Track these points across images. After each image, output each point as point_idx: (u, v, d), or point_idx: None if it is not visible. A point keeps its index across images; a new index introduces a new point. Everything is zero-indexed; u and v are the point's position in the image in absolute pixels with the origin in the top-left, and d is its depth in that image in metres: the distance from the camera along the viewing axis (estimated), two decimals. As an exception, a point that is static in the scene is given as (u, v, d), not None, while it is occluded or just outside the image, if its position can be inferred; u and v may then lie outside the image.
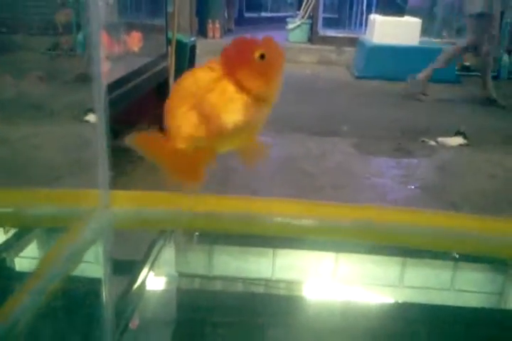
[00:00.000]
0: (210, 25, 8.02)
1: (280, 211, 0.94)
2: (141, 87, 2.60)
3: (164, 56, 3.27)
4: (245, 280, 1.42)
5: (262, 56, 0.69)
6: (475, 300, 1.23)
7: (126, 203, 0.90)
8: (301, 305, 1.06)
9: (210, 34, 8.07)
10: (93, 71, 0.87)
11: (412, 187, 2.76)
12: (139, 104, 2.91)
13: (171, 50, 3.91)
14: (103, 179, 0.80)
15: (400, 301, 1.17)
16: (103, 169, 0.80)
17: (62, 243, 0.78)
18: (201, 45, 7.85)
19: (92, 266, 0.93)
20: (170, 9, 3.97)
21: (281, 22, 9.01)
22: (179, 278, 1.49)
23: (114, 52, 2.33)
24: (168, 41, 3.72)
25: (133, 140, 0.75)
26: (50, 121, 3.67)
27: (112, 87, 2.21)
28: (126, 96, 2.36)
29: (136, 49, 2.55)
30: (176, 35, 4.04)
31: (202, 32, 8.12)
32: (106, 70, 2.24)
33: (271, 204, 1.03)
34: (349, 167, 3.06)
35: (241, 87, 0.70)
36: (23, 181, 2.39)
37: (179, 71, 4.45)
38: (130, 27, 2.60)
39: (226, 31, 8.67)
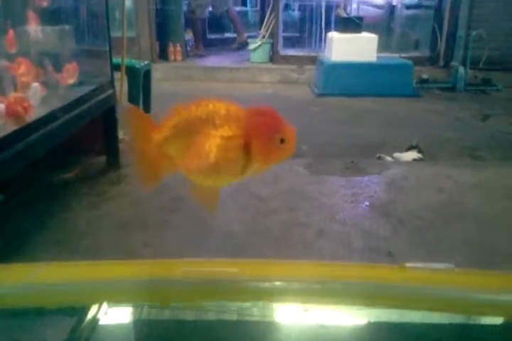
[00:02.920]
0: (171, 49, 8.03)
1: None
2: (79, 118, 2.54)
3: (109, 83, 3.22)
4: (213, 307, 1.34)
5: (282, 140, 0.72)
6: (441, 318, 1.21)
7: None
8: (272, 330, 1.01)
9: (172, 57, 8.08)
10: None
11: (361, 205, 2.75)
12: (82, 134, 2.84)
13: (121, 76, 3.87)
14: None
15: (371, 321, 1.15)
16: None
17: None
18: (164, 68, 7.85)
19: None
20: (121, 34, 3.93)
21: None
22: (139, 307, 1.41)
23: (44, 85, 2.28)
24: (117, 67, 3.67)
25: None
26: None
27: (43, 121, 2.16)
28: (62, 129, 2.31)
29: (71, 81, 2.50)
30: (127, 61, 4.00)
31: (163, 55, 8.13)
32: (33, 105, 2.19)
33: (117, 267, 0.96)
34: (301, 189, 3.04)
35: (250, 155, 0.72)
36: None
37: (133, 97, 4.41)
38: (64, 57, 2.54)
39: (193, 56, 8.66)
